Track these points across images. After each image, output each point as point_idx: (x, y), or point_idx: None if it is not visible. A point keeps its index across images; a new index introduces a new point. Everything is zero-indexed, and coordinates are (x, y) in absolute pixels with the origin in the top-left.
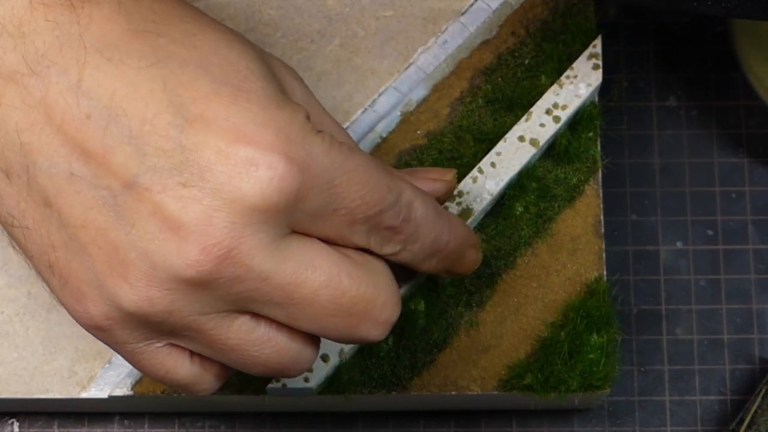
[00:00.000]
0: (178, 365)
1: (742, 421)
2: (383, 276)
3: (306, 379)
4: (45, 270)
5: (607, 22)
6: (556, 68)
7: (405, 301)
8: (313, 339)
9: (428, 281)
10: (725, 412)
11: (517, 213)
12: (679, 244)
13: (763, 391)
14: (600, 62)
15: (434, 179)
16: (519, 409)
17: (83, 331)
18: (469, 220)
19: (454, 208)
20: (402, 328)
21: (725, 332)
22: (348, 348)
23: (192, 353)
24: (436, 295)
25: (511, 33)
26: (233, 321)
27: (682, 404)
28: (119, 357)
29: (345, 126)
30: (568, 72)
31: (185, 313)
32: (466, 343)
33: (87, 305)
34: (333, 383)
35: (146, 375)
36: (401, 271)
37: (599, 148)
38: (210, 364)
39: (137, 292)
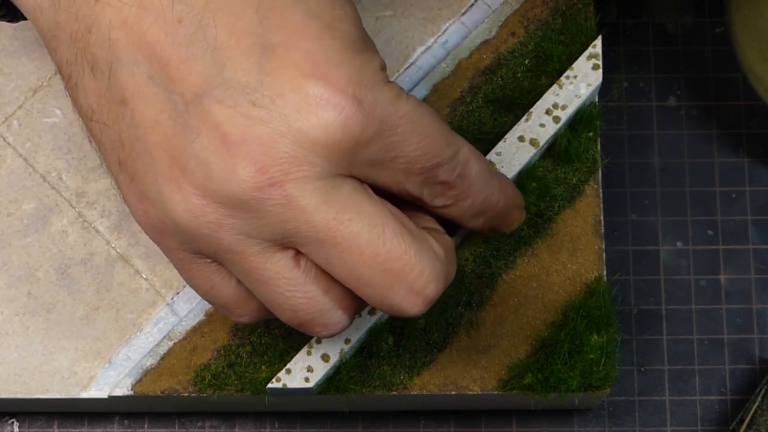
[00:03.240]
0: (224, 283)
1: (742, 421)
2: (430, 249)
3: (306, 379)
4: (115, 166)
5: (607, 22)
6: (556, 68)
7: None
8: (347, 302)
9: None
10: (725, 412)
11: None
12: (679, 244)
13: (763, 391)
14: (600, 62)
15: None
16: (519, 409)
17: (83, 331)
18: None
19: None
20: (402, 328)
21: (725, 332)
22: (348, 348)
23: (238, 279)
24: None
25: (511, 33)
26: (275, 253)
27: (682, 404)
28: (119, 357)
29: None
30: (568, 72)
31: (232, 231)
32: (466, 343)
33: (147, 206)
34: (333, 383)
35: (192, 287)
36: (444, 226)
37: (599, 148)
38: (252, 296)
39: (189, 202)
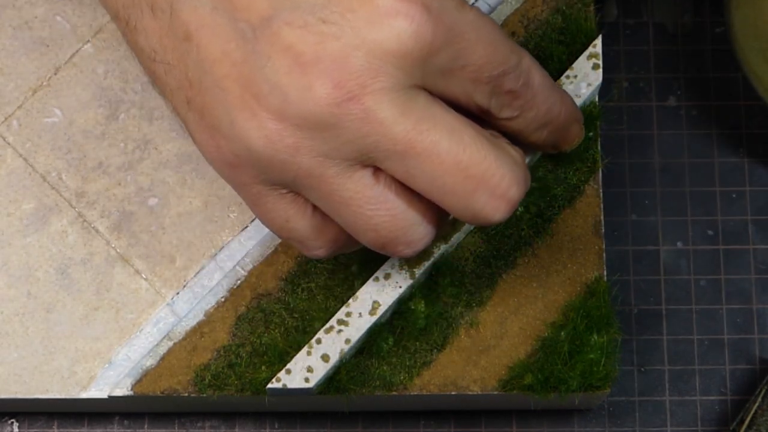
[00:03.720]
0: (299, 214)
1: (742, 421)
2: (509, 154)
3: (306, 379)
4: (182, 106)
5: (607, 22)
6: (556, 68)
7: (405, 301)
8: (429, 214)
9: (428, 281)
10: (725, 412)
11: (517, 213)
12: (679, 244)
13: (764, 391)
14: (600, 62)
15: None
16: (519, 409)
17: (83, 331)
18: None
19: None
20: (402, 328)
21: (725, 332)
22: (348, 348)
23: (314, 207)
24: (436, 295)
25: (511, 33)
26: (354, 172)
27: (682, 404)
28: (119, 357)
29: None
30: (568, 72)
31: (311, 153)
32: (466, 343)
33: (219, 142)
34: (333, 383)
35: (265, 222)
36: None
37: (599, 148)
38: (332, 221)
39: (266, 128)
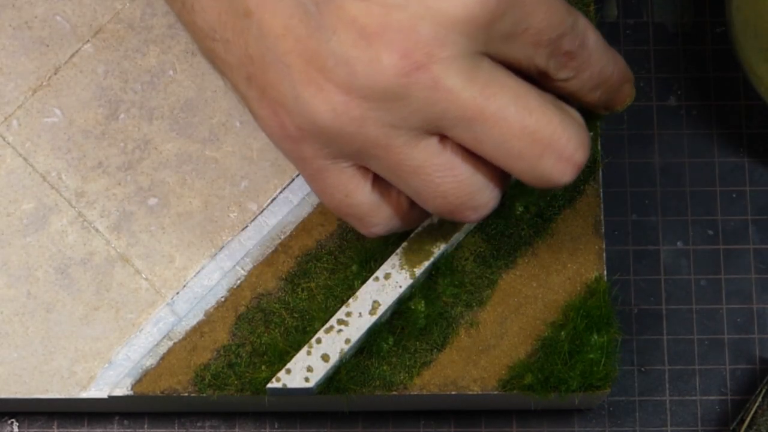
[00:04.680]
0: (359, 189)
1: (742, 421)
2: (573, 117)
3: (306, 379)
4: (243, 83)
5: (607, 22)
6: None
7: (405, 301)
8: (495, 178)
9: (428, 281)
10: (726, 412)
11: (518, 213)
12: (679, 244)
13: (764, 391)
14: None
15: None
16: (519, 409)
17: (83, 331)
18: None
19: None
20: (402, 328)
21: (726, 332)
22: (348, 348)
23: (373, 183)
24: (436, 295)
25: None
26: (420, 141)
27: (682, 404)
28: (119, 357)
29: None
30: None
31: (378, 124)
32: (466, 343)
33: (282, 117)
34: (333, 383)
35: (324, 198)
36: None
37: (600, 148)
38: (390, 197)
39: (333, 101)
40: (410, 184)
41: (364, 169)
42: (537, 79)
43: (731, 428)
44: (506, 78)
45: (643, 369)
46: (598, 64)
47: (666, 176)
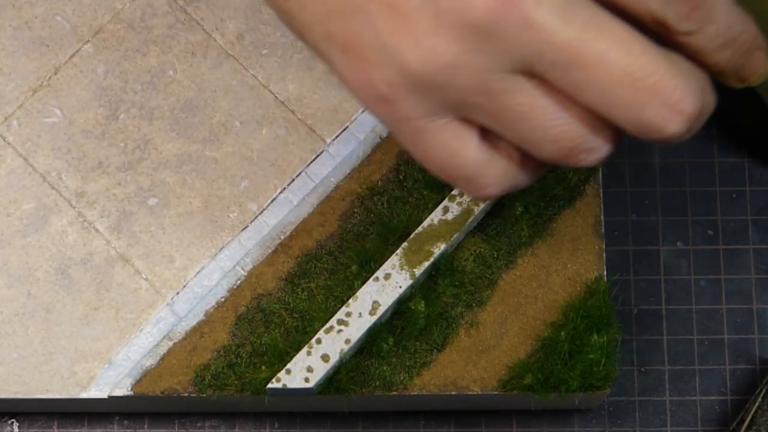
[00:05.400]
0: (465, 146)
1: (742, 421)
2: (683, 64)
3: (306, 379)
4: (323, 42)
5: None
6: None
7: (405, 301)
8: (600, 126)
9: (428, 281)
10: (725, 412)
11: (518, 213)
12: (679, 244)
13: (764, 391)
14: None
15: None
16: (519, 410)
17: (83, 331)
18: (469, 220)
19: (454, 207)
20: (402, 328)
21: (725, 332)
22: (348, 348)
23: (480, 137)
24: (436, 296)
25: None
26: (521, 84)
27: (682, 404)
28: (119, 357)
29: (346, 125)
30: None
31: (471, 68)
32: (466, 343)
33: (369, 73)
34: (333, 383)
35: (430, 163)
36: None
37: None
38: (500, 151)
39: (422, 45)
40: (518, 131)
41: (468, 123)
42: (656, 33)
43: (731, 428)
44: (607, 20)
45: (643, 369)
46: (724, 19)
47: (666, 176)
